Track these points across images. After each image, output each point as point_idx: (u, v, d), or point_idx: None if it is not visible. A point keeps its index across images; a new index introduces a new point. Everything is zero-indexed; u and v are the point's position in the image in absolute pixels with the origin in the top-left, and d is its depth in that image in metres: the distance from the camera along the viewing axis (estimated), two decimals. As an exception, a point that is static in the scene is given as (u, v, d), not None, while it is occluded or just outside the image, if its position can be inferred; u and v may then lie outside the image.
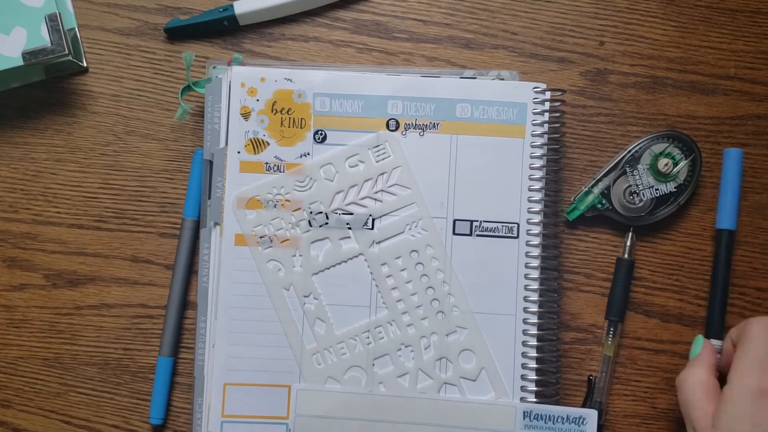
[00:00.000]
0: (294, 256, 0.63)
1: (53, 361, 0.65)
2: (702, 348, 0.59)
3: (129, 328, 0.65)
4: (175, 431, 0.65)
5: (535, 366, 0.62)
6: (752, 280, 0.66)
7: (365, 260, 0.63)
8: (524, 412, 0.61)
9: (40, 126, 0.66)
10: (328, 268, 0.63)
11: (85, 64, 0.66)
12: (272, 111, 0.63)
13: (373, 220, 0.63)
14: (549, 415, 0.61)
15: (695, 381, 0.57)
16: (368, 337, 0.62)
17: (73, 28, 0.66)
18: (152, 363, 0.65)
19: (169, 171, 0.66)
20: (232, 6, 0.66)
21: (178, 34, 0.67)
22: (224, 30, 0.67)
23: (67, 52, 0.61)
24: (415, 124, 0.63)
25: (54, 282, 0.65)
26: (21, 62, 0.61)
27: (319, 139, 0.63)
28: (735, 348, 0.57)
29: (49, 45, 0.61)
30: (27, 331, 0.65)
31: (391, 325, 0.62)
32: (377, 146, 0.63)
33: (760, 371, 0.54)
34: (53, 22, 0.61)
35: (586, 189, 0.65)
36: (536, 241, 0.63)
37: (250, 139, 0.63)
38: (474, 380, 0.62)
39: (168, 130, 0.66)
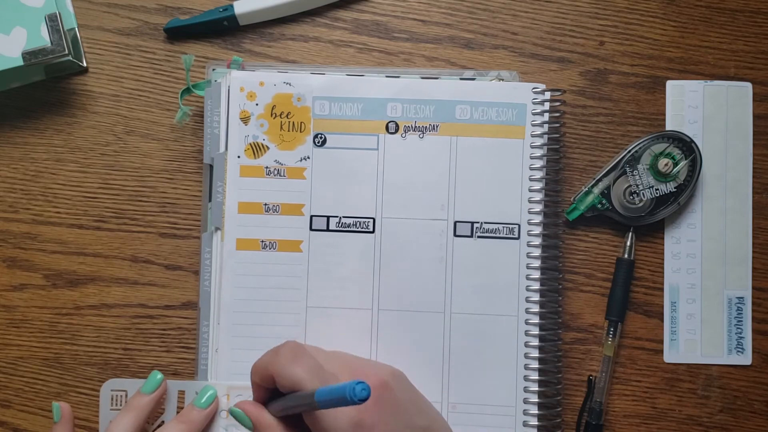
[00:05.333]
0: (295, 260, 0.63)
1: (53, 361, 0.65)
2: None
3: (129, 328, 0.65)
4: None
5: (538, 366, 0.62)
6: (753, 280, 0.66)
7: (367, 263, 0.63)
8: None
9: (40, 126, 0.66)
10: (329, 272, 0.63)
11: (85, 64, 0.66)
12: (272, 115, 0.63)
13: (374, 222, 0.63)
14: None
15: None
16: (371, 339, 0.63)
17: (73, 28, 0.66)
18: (152, 363, 0.65)
19: (169, 171, 0.66)
20: (232, 6, 0.66)
21: (178, 34, 0.67)
22: (224, 30, 0.67)
23: (67, 52, 0.61)
24: (415, 127, 0.63)
25: (54, 282, 0.65)
26: (21, 62, 0.61)
27: (318, 142, 0.63)
28: None
29: (49, 45, 0.61)
30: (27, 331, 0.65)
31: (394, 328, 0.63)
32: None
33: None
34: (53, 22, 0.61)
35: (586, 189, 0.65)
36: (537, 241, 0.63)
37: (250, 144, 0.63)
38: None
39: (168, 131, 0.66)
